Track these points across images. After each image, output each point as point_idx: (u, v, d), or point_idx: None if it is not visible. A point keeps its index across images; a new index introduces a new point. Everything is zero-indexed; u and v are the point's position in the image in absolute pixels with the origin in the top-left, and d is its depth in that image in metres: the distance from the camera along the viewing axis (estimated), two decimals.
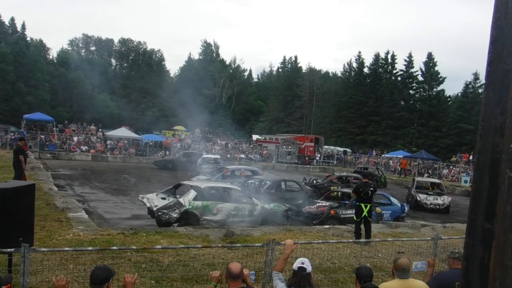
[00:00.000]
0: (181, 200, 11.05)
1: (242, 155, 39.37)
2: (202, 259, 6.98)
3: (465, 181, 30.93)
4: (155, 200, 11.38)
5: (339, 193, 15.79)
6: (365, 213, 9.82)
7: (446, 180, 32.54)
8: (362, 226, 10.01)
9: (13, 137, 30.70)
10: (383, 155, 45.85)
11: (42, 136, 32.96)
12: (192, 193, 11.27)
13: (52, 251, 6.02)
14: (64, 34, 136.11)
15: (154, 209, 10.82)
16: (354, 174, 23.71)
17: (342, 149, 50.06)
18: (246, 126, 75.40)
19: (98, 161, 30.34)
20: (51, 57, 73.04)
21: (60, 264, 5.83)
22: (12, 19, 61.88)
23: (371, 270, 4.14)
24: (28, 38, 63.42)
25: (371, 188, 10.06)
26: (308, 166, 38.93)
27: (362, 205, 9.88)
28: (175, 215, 10.74)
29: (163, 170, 27.63)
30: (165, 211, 10.73)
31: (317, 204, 13.25)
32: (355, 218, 10.13)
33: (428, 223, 14.01)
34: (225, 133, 54.63)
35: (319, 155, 42.69)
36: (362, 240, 9.37)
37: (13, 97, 51.33)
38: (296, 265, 3.95)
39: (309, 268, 3.90)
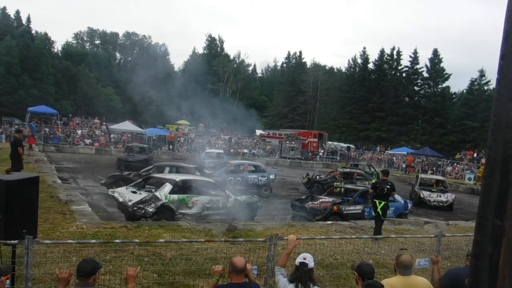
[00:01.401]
0: (157, 194, 10.73)
1: (245, 150, 39.36)
2: (205, 253, 6.99)
3: (469, 179, 30.79)
4: (127, 194, 11.00)
5: (342, 189, 15.77)
6: (378, 209, 9.95)
7: (449, 177, 32.42)
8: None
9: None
10: (387, 152, 45.72)
11: (46, 129, 33.08)
12: (168, 187, 10.95)
13: (55, 243, 6.04)
14: (69, 28, 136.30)
15: (129, 203, 10.41)
16: (358, 170, 23.61)
17: (345, 145, 49.95)
18: (250, 121, 75.33)
19: (101, 155, 30.43)
20: (56, 50, 73.16)
21: (63, 257, 5.85)
22: (18, 12, 62.04)
23: (372, 266, 4.12)
24: (33, 31, 63.51)
25: (388, 186, 10.16)
26: (311, 161, 38.88)
27: (377, 201, 10.04)
28: (151, 210, 10.36)
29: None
30: (141, 206, 10.34)
31: (320, 200, 13.24)
32: (374, 214, 10.40)
33: (431, 220, 13.98)
34: (228, 128, 54.61)
35: (322, 151, 42.62)
36: (370, 236, 9.41)
37: (17, 89, 51.50)
38: (298, 260, 3.94)
39: (311, 264, 3.88)
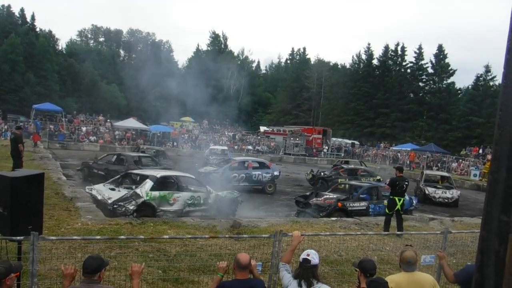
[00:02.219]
0: (138, 191, 10.41)
1: (250, 147, 39.37)
2: (209, 249, 7.00)
3: (474, 175, 30.63)
4: (106, 191, 10.70)
5: (347, 185, 15.71)
6: (398, 206, 10.10)
7: (455, 173, 32.27)
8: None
9: (22, 127, 30.90)
10: (391, 148, 45.55)
11: (51, 126, 33.24)
12: (149, 183, 10.62)
13: (60, 239, 6.07)
14: (73, 25, 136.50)
15: (109, 201, 10.10)
16: (362, 167, 23.52)
17: (350, 142, 49.82)
18: (254, 117, 75.30)
19: (106, 152, 30.47)
20: (60, 47, 73.39)
21: (68, 253, 5.89)
22: (22, 10, 62.22)
23: (374, 262, 4.11)
24: (38, 29, 63.73)
25: (406, 183, 10.40)
26: (316, 158, 38.81)
27: (396, 198, 10.15)
28: (131, 207, 10.04)
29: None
30: (121, 204, 10.03)
31: (325, 196, 13.21)
32: (387, 211, 10.38)
33: (436, 217, 13.92)
34: (232, 124, 54.64)
35: (326, 147, 42.54)
36: (393, 232, 9.46)
37: (22, 87, 51.72)
38: (301, 256, 3.94)
39: (314, 260, 3.86)
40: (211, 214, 11.39)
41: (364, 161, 38.18)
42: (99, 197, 10.54)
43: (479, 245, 1.36)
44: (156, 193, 10.60)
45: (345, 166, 22.94)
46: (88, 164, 17.81)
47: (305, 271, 3.84)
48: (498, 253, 1.27)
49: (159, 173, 11.62)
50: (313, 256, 3.89)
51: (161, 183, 11.02)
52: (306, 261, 3.85)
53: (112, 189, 10.93)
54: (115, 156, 18.47)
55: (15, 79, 51.11)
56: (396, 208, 10.11)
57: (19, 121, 34.92)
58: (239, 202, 12.55)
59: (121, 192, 10.66)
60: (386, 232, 9.46)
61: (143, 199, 10.27)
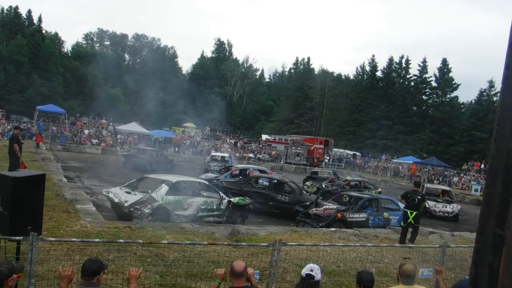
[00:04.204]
0: (153, 195, 10.66)
1: (251, 155, 39.38)
2: (207, 256, 6.99)
3: (476, 190, 30.52)
4: (122, 194, 10.89)
5: (347, 197, 15.66)
6: (410, 219, 10.38)
7: (456, 188, 32.18)
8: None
9: (25, 128, 31.04)
10: (393, 160, 45.49)
11: (54, 128, 33.34)
12: (165, 188, 10.87)
13: (59, 241, 6.09)
14: (80, 28, 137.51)
15: (126, 204, 10.34)
16: (365, 179, 23.43)
17: (351, 153, 49.77)
18: (256, 125, 75.44)
19: (108, 155, 30.55)
20: (65, 50, 73.83)
21: (66, 255, 5.89)
22: (29, 12, 62.67)
23: (372, 275, 4.09)
24: (44, 31, 64.15)
25: (419, 197, 10.60)
26: (317, 168, 38.75)
27: (408, 211, 10.47)
28: (147, 211, 10.32)
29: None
30: (137, 207, 10.30)
31: (324, 207, 13.19)
32: (402, 224, 10.80)
33: (436, 231, 13.88)
34: (234, 132, 54.68)
35: (328, 158, 42.50)
36: (401, 245, 9.69)
37: (27, 88, 51.96)
38: (304, 271, 3.86)
39: (317, 276, 3.81)
40: (223, 220, 11.64)
41: (365, 172, 38.17)
42: (116, 200, 10.72)
43: (473, 258, 1.37)
44: (171, 198, 10.83)
45: (349, 178, 22.91)
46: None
47: (307, 287, 3.79)
48: (492, 265, 1.29)
49: (174, 178, 11.85)
50: (317, 272, 3.83)
51: (176, 188, 11.27)
52: (309, 276, 3.78)
53: (128, 193, 11.12)
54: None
55: (19, 80, 51.37)
56: (408, 221, 10.42)
57: (22, 122, 35.03)
58: (250, 209, 12.76)
59: (137, 195, 10.84)
60: (398, 245, 9.64)
61: (158, 203, 10.49)
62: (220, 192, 12.23)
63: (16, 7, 60.43)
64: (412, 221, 10.37)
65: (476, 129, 50.96)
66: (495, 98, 53.38)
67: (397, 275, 4.16)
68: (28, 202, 4.77)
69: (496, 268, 1.27)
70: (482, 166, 38.59)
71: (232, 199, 12.19)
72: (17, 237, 4.48)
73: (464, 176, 35.96)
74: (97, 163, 24.75)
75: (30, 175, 5.21)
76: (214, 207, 11.75)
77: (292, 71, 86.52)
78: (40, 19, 62.12)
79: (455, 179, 35.69)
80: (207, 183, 12.93)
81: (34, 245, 4.25)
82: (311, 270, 3.81)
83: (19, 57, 51.49)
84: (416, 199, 10.48)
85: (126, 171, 21.41)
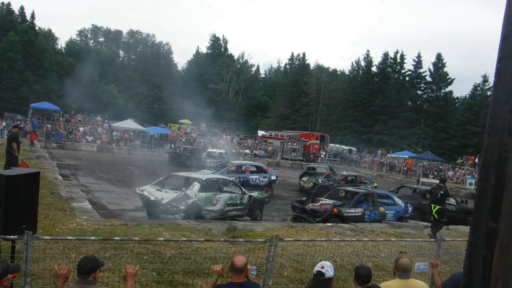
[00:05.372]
0: (188, 192, 11.45)
1: (247, 151, 39.37)
2: (204, 252, 6.99)
3: (470, 184, 30.71)
4: (155, 192, 11.56)
5: (343, 192, 15.70)
6: (433, 213, 11.10)
7: (451, 182, 32.33)
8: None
9: (21, 126, 30.82)
10: (388, 155, 45.63)
11: (48, 126, 33.16)
12: (197, 185, 11.67)
13: (55, 239, 6.06)
14: (73, 25, 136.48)
15: (163, 202, 11.06)
16: (361, 174, 23.51)
17: (347, 148, 49.86)
18: (252, 121, 75.37)
19: (103, 152, 30.45)
20: (59, 47, 73.33)
21: (62, 253, 5.87)
22: (22, 8, 62.03)
23: (369, 269, 4.10)
24: (37, 28, 63.60)
25: (441, 192, 11.30)
26: (313, 163, 38.82)
27: (432, 205, 11.26)
28: (182, 207, 11.10)
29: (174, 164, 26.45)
30: (174, 204, 11.06)
31: (321, 202, 13.22)
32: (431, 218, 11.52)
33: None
34: (230, 128, 54.63)
35: (324, 153, 42.58)
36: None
37: (20, 85, 51.56)
38: (315, 268, 3.85)
39: (328, 273, 3.77)
40: (245, 213, 12.78)
41: (361, 167, 38.33)
42: (152, 198, 11.38)
43: (467, 251, 1.38)
44: (202, 194, 11.71)
45: (345, 173, 22.98)
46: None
47: (318, 285, 3.77)
48: (485, 258, 1.29)
49: (204, 175, 12.93)
50: (328, 269, 3.79)
51: (206, 185, 12.16)
52: (320, 273, 3.76)
53: (159, 190, 11.77)
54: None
55: (13, 77, 50.94)
56: (432, 214, 11.16)
57: (16, 120, 34.79)
58: (266, 202, 13.76)
59: (169, 193, 11.59)
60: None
61: (192, 200, 11.33)
62: (242, 188, 13.21)
63: (9, 4, 59.90)
64: (435, 215, 10.99)
65: (471, 123, 51.19)
66: (489, 93, 53.56)
67: (393, 269, 4.18)
68: (22, 200, 4.74)
69: (490, 261, 1.28)
70: (477, 160, 38.81)
71: (252, 194, 13.08)
72: (12, 236, 4.45)
73: (459, 170, 36.16)
74: (93, 161, 24.64)
75: (24, 173, 5.17)
76: (238, 201, 12.64)
77: (288, 66, 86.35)
78: (33, 16, 61.55)
79: (450, 173, 35.90)
80: (231, 179, 14.01)
81: (29, 244, 4.23)
82: (322, 267, 3.79)
83: (12, 54, 51.01)
84: (439, 194, 11.15)
85: (121, 168, 21.39)
